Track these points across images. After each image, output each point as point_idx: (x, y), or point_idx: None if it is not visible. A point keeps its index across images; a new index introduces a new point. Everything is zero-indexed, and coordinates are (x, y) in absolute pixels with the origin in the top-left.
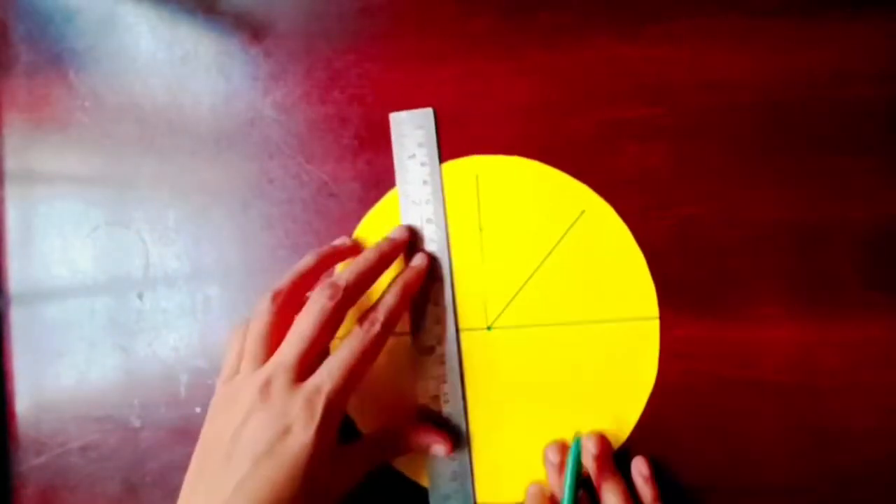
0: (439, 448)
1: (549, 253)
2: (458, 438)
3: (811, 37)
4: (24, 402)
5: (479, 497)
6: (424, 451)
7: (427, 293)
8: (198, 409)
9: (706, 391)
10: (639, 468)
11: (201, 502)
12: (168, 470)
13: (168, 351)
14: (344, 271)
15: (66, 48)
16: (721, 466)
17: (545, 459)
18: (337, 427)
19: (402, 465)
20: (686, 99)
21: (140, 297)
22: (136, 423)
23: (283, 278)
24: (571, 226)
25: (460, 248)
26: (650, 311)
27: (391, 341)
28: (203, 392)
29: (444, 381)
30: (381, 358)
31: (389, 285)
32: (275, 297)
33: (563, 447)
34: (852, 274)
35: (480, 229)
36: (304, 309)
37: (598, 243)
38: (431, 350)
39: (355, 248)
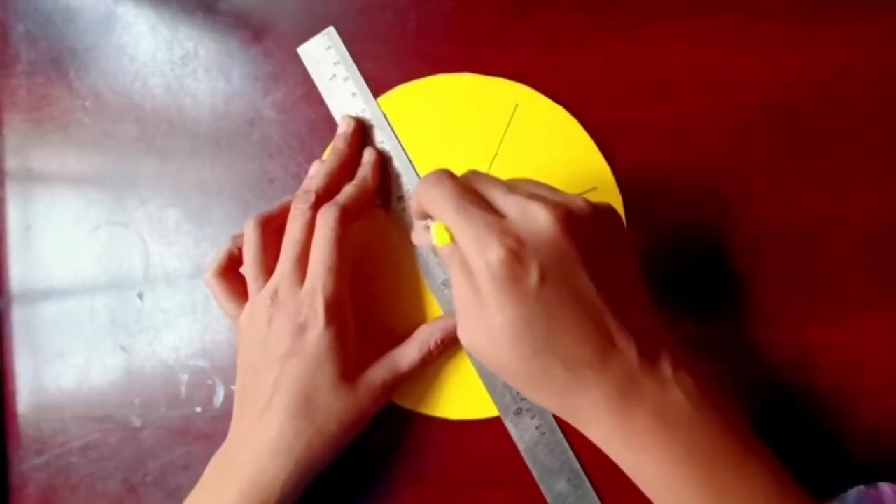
0: None
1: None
2: None
3: (811, 37)
4: (24, 402)
5: None
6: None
7: (400, 192)
8: (198, 409)
9: None
10: None
11: (248, 414)
12: (168, 470)
13: (168, 351)
14: (312, 177)
15: (66, 48)
16: None
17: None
18: (348, 315)
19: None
20: (686, 99)
21: (140, 297)
22: (137, 423)
23: (271, 207)
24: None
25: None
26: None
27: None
28: (203, 392)
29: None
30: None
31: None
32: (260, 223)
33: None
34: (853, 274)
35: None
36: (289, 221)
37: (541, 131)
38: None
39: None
